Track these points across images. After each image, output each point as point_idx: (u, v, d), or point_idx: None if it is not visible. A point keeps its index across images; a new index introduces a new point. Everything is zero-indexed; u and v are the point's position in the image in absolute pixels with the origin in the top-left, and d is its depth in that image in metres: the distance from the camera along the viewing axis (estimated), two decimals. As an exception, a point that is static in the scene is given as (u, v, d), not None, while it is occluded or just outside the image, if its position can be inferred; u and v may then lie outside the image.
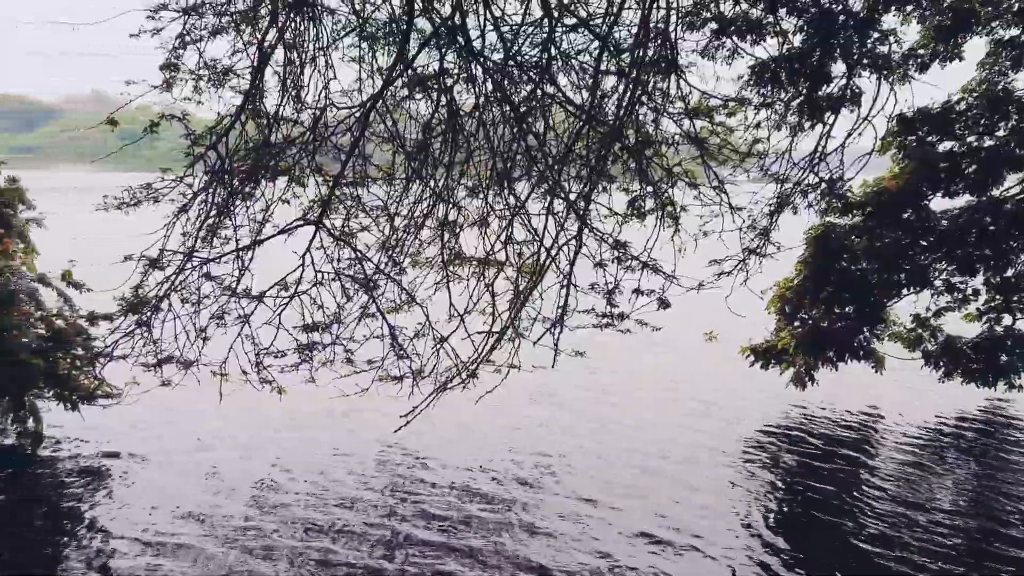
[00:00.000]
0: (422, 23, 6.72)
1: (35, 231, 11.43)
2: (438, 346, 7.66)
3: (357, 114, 7.22)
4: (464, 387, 7.50)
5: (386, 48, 7.18)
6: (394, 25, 6.83)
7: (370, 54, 7.26)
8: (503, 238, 7.36)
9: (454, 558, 8.12)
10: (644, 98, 6.78)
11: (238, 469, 10.06)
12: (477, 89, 6.80)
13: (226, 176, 7.34)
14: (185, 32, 6.93)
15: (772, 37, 7.43)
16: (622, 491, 9.82)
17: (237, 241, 7.76)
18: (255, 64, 6.98)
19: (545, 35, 6.41)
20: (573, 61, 6.79)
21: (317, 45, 7.03)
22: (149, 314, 8.05)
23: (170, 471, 9.92)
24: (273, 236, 7.67)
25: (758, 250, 8.12)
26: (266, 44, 6.70)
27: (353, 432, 11.66)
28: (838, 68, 7.83)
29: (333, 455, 10.73)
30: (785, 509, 9.97)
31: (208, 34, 6.91)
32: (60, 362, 9.85)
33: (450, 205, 7.38)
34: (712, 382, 15.56)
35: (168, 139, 7.24)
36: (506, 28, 6.53)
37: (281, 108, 7.21)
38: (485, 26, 6.45)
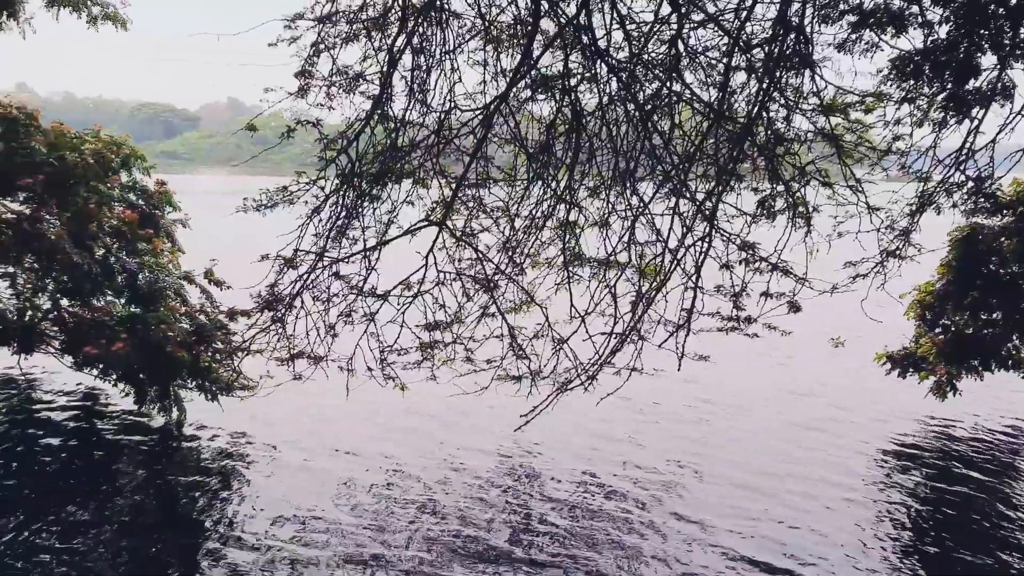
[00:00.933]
0: (546, 23, 6.74)
1: (180, 231, 12.26)
2: (558, 347, 7.67)
3: (480, 116, 7.32)
4: (586, 389, 7.48)
5: (510, 49, 7.25)
6: (519, 27, 6.88)
7: (494, 56, 7.35)
8: (625, 239, 7.27)
9: (556, 564, 8.09)
10: (776, 94, 6.53)
11: (363, 461, 10.42)
12: (600, 88, 6.76)
13: (356, 179, 7.61)
14: (319, 40, 7.24)
15: (915, 28, 6.99)
16: (733, 511, 9.40)
17: (364, 242, 8.03)
18: (384, 69, 7.20)
19: (673, 32, 6.28)
20: (701, 58, 6.62)
21: (443, 49, 7.16)
22: (283, 311, 8.47)
23: (301, 459, 10.38)
24: (398, 237, 7.90)
25: (897, 252, 7.65)
26: (395, 49, 6.89)
27: (472, 429, 11.85)
28: (988, 60, 7.28)
29: (453, 450, 10.94)
30: (917, 539, 9.29)
31: (341, 41, 7.19)
32: (202, 355, 10.53)
33: (571, 206, 7.35)
34: (840, 392, 14.77)
35: (296, 144, 7.59)
36: (632, 26, 6.44)
37: (408, 112, 7.40)
38: (612, 24, 6.39)
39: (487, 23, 7.02)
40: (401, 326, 8.18)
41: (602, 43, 6.45)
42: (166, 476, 9.90)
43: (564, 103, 6.91)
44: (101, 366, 11.05)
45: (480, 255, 7.84)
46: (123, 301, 11.49)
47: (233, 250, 13.75)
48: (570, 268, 7.71)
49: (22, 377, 13.35)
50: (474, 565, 7.92)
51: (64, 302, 11.89)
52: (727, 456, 11.27)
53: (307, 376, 8.64)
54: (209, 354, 10.71)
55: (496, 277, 8.01)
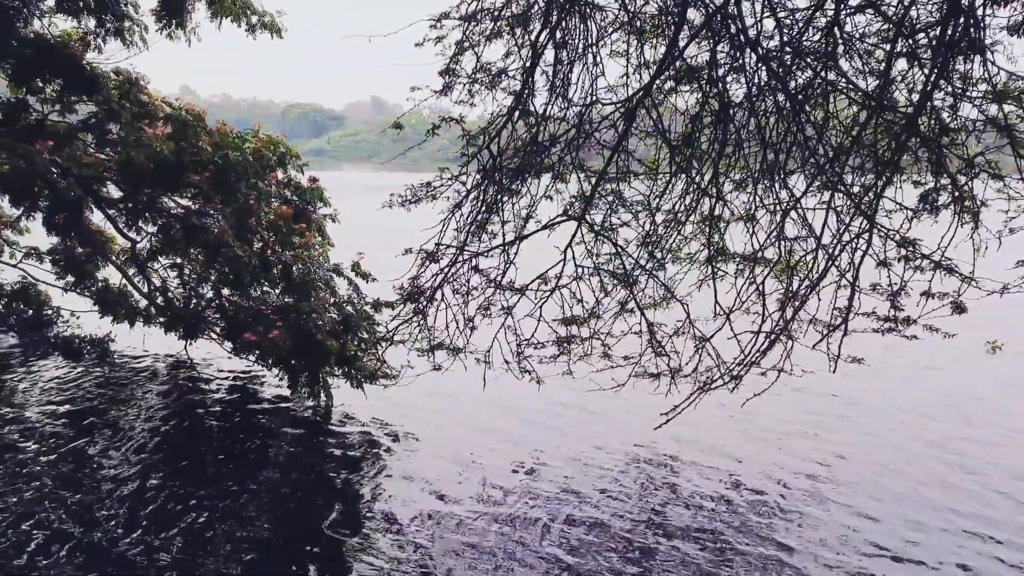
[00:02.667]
0: (692, 13, 6.62)
1: (329, 225, 12.97)
2: (700, 345, 7.53)
3: (622, 109, 7.30)
4: (732, 389, 7.32)
5: (654, 40, 7.18)
6: (664, 17, 6.79)
7: (637, 48, 7.30)
8: (773, 234, 7.04)
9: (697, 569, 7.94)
10: (942, 82, 6.11)
11: (499, 452, 10.65)
12: (748, 78, 6.56)
13: (496, 174, 7.78)
14: (464, 38, 7.45)
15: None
16: (889, 544, 8.81)
17: (504, 236, 8.20)
18: (526, 64, 7.32)
19: (829, 18, 6.01)
20: (859, 45, 6.30)
21: (585, 42, 7.19)
22: (425, 303, 8.79)
23: (438, 448, 10.75)
24: (536, 231, 8.01)
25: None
26: (538, 45, 6.98)
27: (608, 425, 11.84)
28: None
29: (588, 446, 10.98)
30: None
31: (484, 39, 7.37)
32: (348, 344, 11.11)
33: (716, 199, 7.19)
34: (1004, 402, 13.61)
35: (433, 140, 7.84)
36: (784, 13, 6.22)
37: (549, 107, 7.48)
38: (763, 13, 6.20)
39: (631, 15, 6.99)
40: (538, 320, 8.30)
41: (751, 32, 6.26)
42: (313, 457, 10.49)
43: (710, 94, 6.77)
44: (258, 352, 11.92)
45: (619, 249, 7.82)
46: (277, 291, 12.33)
47: (377, 243, 14.39)
48: (714, 264, 7.54)
49: (188, 360, 14.58)
50: (609, 562, 7.94)
51: (225, 292, 12.89)
52: (873, 475, 10.62)
53: (446, 367, 8.95)
54: (355, 343, 11.29)
55: (635, 272, 7.97)
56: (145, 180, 11.78)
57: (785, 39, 6.22)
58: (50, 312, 14.18)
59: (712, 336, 7.47)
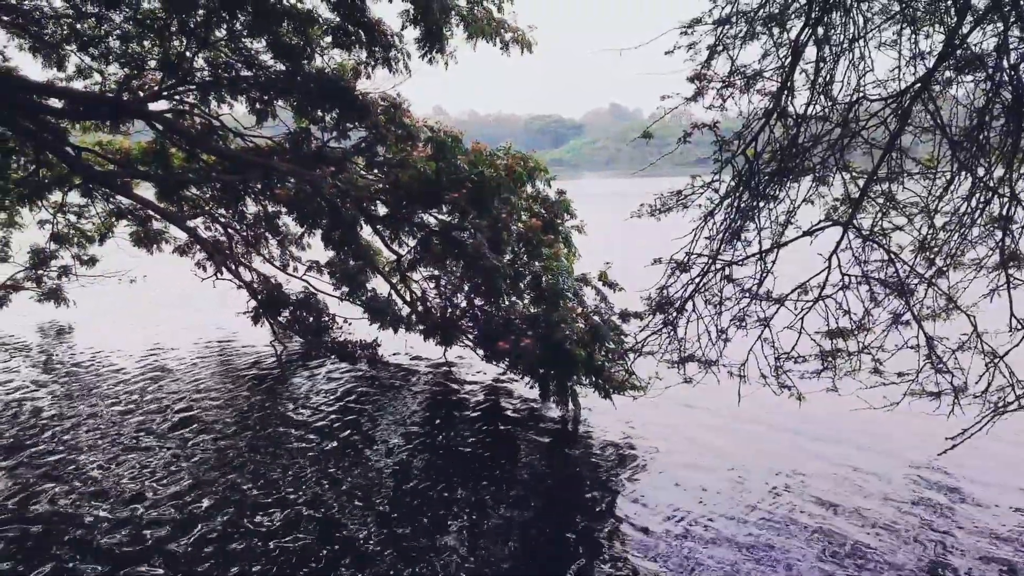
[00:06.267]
0: (978, -6, 6.19)
1: (575, 235, 13.54)
2: (991, 362, 6.95)
3: (893, 105, 6.97)
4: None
5: (930, 28, 6.79)
6: (943, 2, 6.42)
7: (910, 38, 6.94)
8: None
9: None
10: None
11: (750, 471, 10.45)
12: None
13: (752, 179, 7.75)
14: (717, 42, 7.53)
15: None
16: None
17: (760, 243, 8.12)
18: (785, 64, 7.24)
19: None
20: None
21: (851, 36, 6.97)
22: (674, 314, 8.94)
23: (686, 461, 10.78)
24: (797, 239, 7.84)
25: None
26: (799, 42, 6.90)
27: (879, 448, 11.13)
28: None
29: (855, 469, 10.42)
30: None
31: (739, 41, 7.40)
32: (596, 354, 11.53)
33: (1011, 199, 6.62)
34: None
35: (672, 146, 7.93)
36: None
37: (811, 106, 7.33)
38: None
39: (903, 3, 6.67)
40: (799, 332, 8.12)
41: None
42: (560, 463, 10.99)
43: (1000, 84, 6.26)
44: (508, 360, 12.75)
45: (892, 256, 7.44)
46: (526, 301, 13.11)
47: (624, 252, 14.72)
48: (1008, 270, 6.94)
49: (445, 364, 15.90)
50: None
51: (477, 301, 13.94)
52: None
53: (697, 380, 9.00)
54: (603, 353, 11.68)
55: (910, 280, 7.54)
56: (409, 198, 13.12)
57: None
58: (327, 319, 16.18)
59: (1007, 353, 6.86)
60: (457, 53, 13.09)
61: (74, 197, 18.04)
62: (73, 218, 19.33)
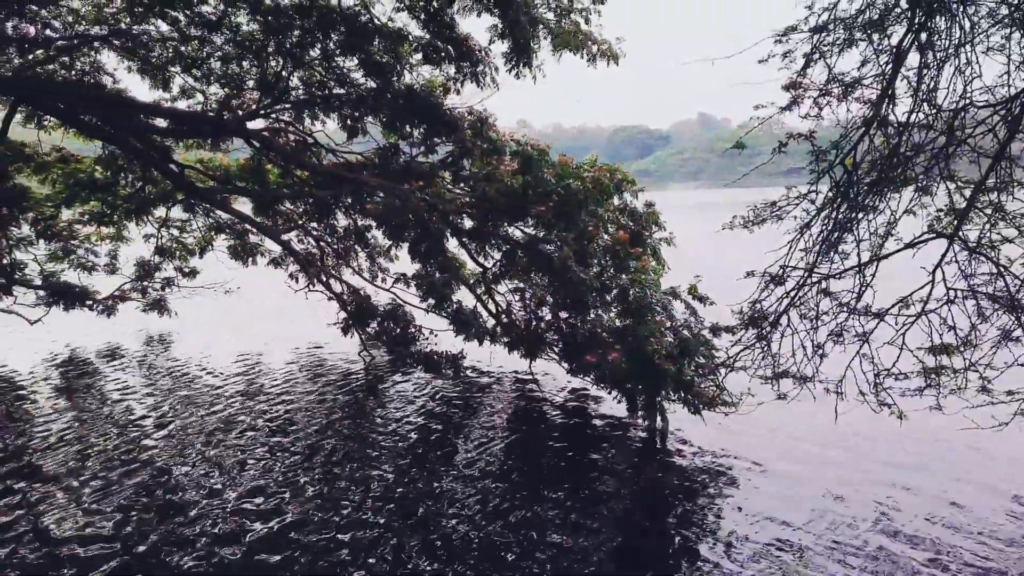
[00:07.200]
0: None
1: (663, 248, 13.45)
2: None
3: (1003, 111, 6.73)
4: None
5: (1044, 30, 6.53)
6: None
7: (1020, 42, 6.69)
8: None
9: None
10: None
11: (849, 492, 10.09)
12: None
13: (851, 190, 7.58)
14: (813, 50, 7.42)
15: None
16: None
17: (859, 256, 7.94)
18: (886, 71, 7.08)
19: None
20: None
21: (956, 41, 6.77)
22: (768, 328, 8.79)
23: (781, 482, 10.47)
24: (898, 251, 7.65)
25: None
26: (901, 48, 6.74)
27: (987, 469, 10.60)
28: None
29: (961, 492, 9.94)
30: None
31: (837, 49, 7.27)
32: (686, 369, 11.40)
33: None
34: None
35: (764, 155, 7.82)
36: None
37: (913, 114, 7.14)
38: None
39: (1012, 6, 6.44)
40: (900, 348, 7.89)
41: None
42: (647, 479, 10.86)
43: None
44: (594, 373, 12.74)
45: (1001, 269, 7.16)
46: (612, 315, 13.08)
47: (713, 265, 14.54)
48: None
49: (531, 377, 15.99)
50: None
51: (562, 314, 13.99)
52: None
53: (792, 396, 8.81)
54: (693, 368, 11.54)
55: (1021, 295, 7.24)
56: (495, 211, 13.30)
57: None
58: (414, 330, 16.52)
59: None
60: (544, 67, 13.24)
61: (177, 212, 19.07)
62: (176, 232, 20.41)
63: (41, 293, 19.01)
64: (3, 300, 19.21)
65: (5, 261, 17.94)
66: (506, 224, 14.14)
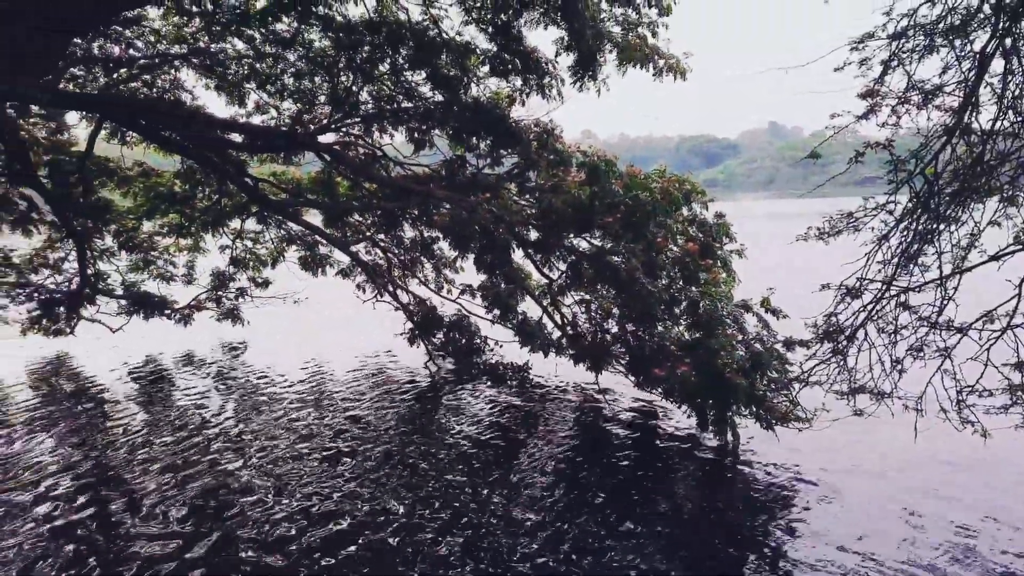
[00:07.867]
0: None
1: (734, 260, 13.23)
2: None
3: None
4: None
5: None
6: None
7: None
8: None
9: None
10: None
11: (929, 511, 9.73)
12: None
13: (932, 200, 7.37)
14: (892, 57, 7.25)
15: None
16: None
17: (940, 268, 7.72)
18: (968, 78, 6.87)
19: None
20: None
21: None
22: (844, 342, 8.59)
23: (857, 501, 10.15)
24: (982, 264, 7.43)
25: None
26: (985, 54, 6.54)
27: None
28: None
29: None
30: None
31: (916, 55, 7.09)
32: (758, 383, 11.19)
33: None
34: None
35: (838, 165, 7.64)
36: None
37: (998, 122, 6.91)
38: None
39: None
40: (985, 364, 7.63)
41: None
42: (717, 496, 10.67)
43: None
44: (663, 387, 12.60)
45: (1095, 283, 6.87)
46: (682, 327, 12.93)
47: (786, 277, 14.27)
48: None
49: (597, 390, 15.92)
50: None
51: (629, 327, 13.88)
52: None
53: (869, 412, 8.60)
54: (765, 383, 11.32)
55: (1119, 310, 6.93)
56: (561, 223, 13.31)
57: None
58: (479, 341, 16.63)
59: None
60: (609, 80, 13.23)
61: (251, 224, 19.69)
62: (249, 243, 21.04)
63: (123, 302, 19.84)
64: (87, 309, 20.14)
65: (90, 272, 18.77)
66: (572, 236, 14.14)
